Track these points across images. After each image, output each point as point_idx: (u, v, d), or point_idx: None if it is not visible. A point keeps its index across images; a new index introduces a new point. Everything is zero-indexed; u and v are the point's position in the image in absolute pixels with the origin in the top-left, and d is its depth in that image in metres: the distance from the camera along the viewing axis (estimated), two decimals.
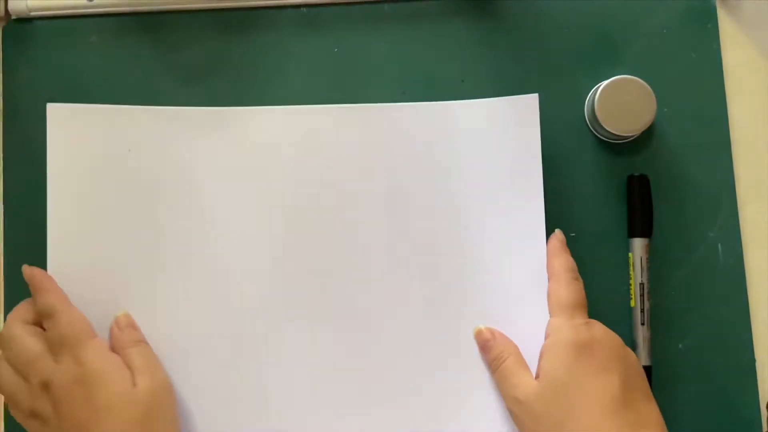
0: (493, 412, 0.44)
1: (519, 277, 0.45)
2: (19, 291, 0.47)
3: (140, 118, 0.46)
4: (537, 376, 0.42)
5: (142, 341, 0.44)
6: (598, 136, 0.47)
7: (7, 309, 0.47)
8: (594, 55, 0.48)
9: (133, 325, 0.45)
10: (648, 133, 0.47)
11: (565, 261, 0.44)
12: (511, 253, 0.45)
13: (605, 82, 0.46)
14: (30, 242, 0.47)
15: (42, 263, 0.46)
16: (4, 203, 0.48)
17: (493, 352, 0.44)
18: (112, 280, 0.46)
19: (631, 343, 0.46)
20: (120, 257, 0.46)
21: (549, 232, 0.46)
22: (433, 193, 0.46)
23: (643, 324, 0.46)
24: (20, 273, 0.46)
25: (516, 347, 0.44)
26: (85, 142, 0.46)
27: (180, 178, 0.46)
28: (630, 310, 0.46)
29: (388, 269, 0.46)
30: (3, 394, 0.43)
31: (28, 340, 0.42)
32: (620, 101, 0.45)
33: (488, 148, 0.46)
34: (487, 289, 0.45)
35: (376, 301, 0.46)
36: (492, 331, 0.44)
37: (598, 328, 0.42)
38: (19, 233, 0.47)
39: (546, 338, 0.43)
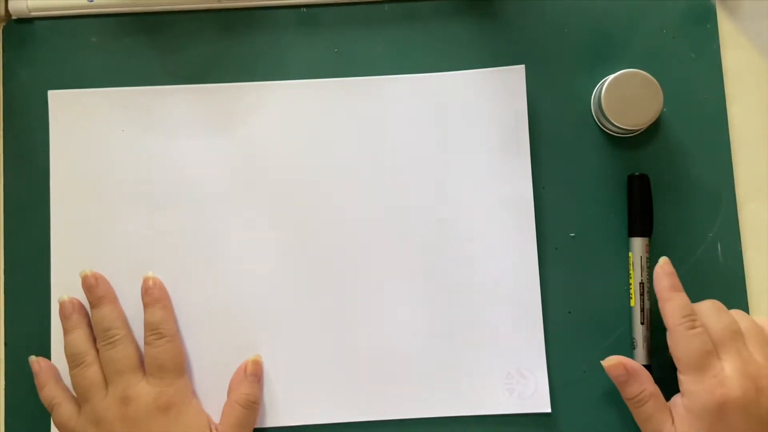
0: (488, 389, 0.46)
1: (508, 247, 0.46)
2: (19, 285, 0.47)
3: (134, 97, 0.47)
4: (674, 428, 0.41)
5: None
6: (605, 130, 0.48)
7: (8, 306, 0.47)
8: (593, 56, 0.48)
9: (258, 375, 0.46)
10: (648, 133, 0.48)
11: (677, 307, 0.42)
12: (501, 223, 0.46)
13: (611, 76, 0.46)
14: (30, 242, 0.47)
15: (42, 260, 0.47)
16: (4, 203, 0.48)
17: (630, 389, 0.42)
18: (112, 258, 0.47)
19: (631, 343, 0.46)
20: (120, 237, 0.47)
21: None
22: (423, 164, 0.47)
23: (642, 323, 0.46)
24: (20, 269, 0.47)
25: (653, 384, 0.42)
26: (84, 125, 0.47)
27: (174, 155, 0.47)
28: (630, 310, 0.46)
29: (380, 243, 0.47)
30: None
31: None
32: (627, 95, 0.45)
33: (477, 118, 0.47)
34: (476, 261, 0.46)
35: (369, 274, 0.46)
36: (625, 365, 0.43)
37: (731, 380, 0.39)
38: (19, 233, 0.47)
39: (681, 393, 0.41)
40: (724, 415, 0.39)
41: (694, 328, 0.41)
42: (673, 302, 0.42)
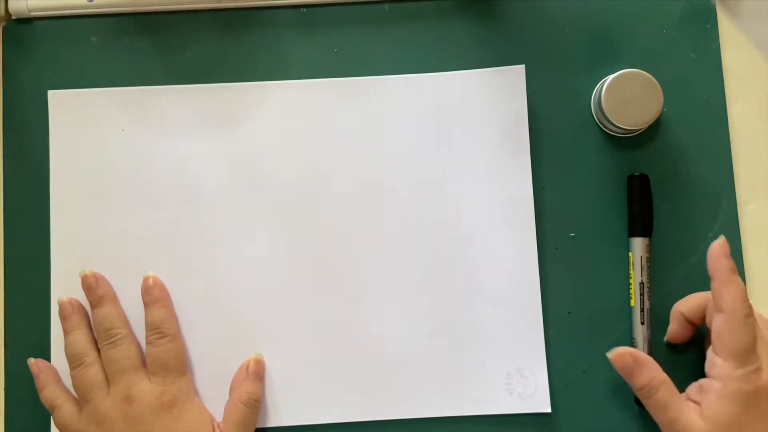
0: (488, 389, 0.46)
1: (508, 247, 0.46)
2: (19, 285, 0.47)
3: (134, 97, 0.48)
4: (701, 413, 0.40)
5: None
6: (605, 130, 0.48)
7: (8, 306, 0.47)
8: (593, 56, 0.48)
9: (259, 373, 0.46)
10: (648, 133, 0.48)
11: (738, 291, 0.40)
12: (501, 223, 0.47)
13: (611, 76, 0.46)
14: (30, 242, 0.47)
15: (42, 260, 0.47)
16: (4, 203, 0.48)
17: (640, 378, 0.42)
18: (112, 258, 0.47)
19: (631, 342, 0.46)
20: (120, 237, 0.47)
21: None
22: (422, 163, 0.47)
23: (643, 323, 0.46)
24: (20, 269, 0.47)
25: (662, 372, 0.42)
26: (84, 125, 0.47)
27: (173, 155, 0.47)
28: (630, 310, 0.47)
29: (380, 243, 0.47)
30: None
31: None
32: (627, 95, 0.45)
33: (477, 117, 0.47)
34: (476, 261, 0.46)
35: (369, 274, 0.46)
36: (632, 355, 0.42)
37: (766, 375, 0.40)
38: (19, 233, 0.47)
39: (713, 378, 0.40)
40: (760, 399, 0.39)
41: (750, 315, 0.40)
42: (734, 286, 0.41)
